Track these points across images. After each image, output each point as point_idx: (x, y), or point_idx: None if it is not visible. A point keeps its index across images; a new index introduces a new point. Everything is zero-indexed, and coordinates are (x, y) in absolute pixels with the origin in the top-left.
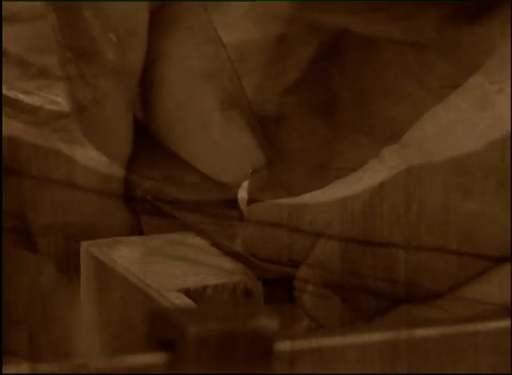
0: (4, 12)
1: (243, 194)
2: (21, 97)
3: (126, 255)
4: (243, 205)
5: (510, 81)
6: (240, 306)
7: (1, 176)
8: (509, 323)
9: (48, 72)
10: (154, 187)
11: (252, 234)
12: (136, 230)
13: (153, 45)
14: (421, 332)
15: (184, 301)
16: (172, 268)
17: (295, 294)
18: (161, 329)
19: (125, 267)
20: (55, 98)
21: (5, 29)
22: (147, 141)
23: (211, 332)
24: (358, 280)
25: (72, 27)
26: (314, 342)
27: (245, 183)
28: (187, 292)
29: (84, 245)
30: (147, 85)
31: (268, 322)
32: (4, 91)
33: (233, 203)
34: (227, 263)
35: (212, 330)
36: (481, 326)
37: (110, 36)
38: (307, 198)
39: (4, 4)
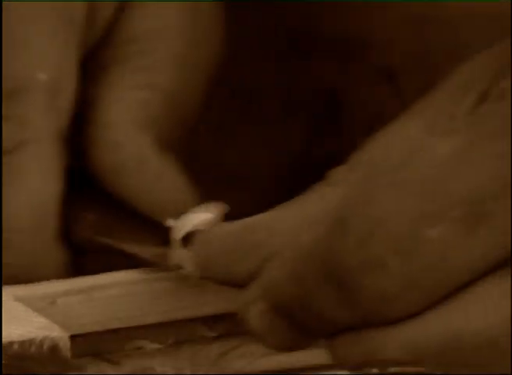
0: None
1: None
2: None
3: None
4: (177, 244)
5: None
6: (46, 362)
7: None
8: None
9: None
10: (93, 224)
11: (201, 259)
12: (70, 268)
13: (87, 90)
14: None
15: None
16: None
17: (240, 315)
18: None
19: None
20: None
21: None
22: (83, 179)
23: None
24: (311, 305)
25: None
26: None
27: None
28: None
29: None
30: (80, 128)
31: None
32: None
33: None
34: (35, 318)
35: None
36: None
37: (40, 75)
38: (256, 220)
39: None
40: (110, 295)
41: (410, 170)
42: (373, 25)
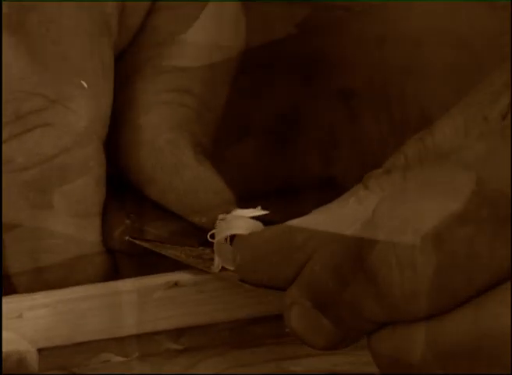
0: None
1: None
2: None
3: None
4: (218, 246)
5: None
6: None
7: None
8: None
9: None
10: (131, 228)
11: (242, 262)
12: (111, 272)
13: (118, 94)
14: None
15: None
16: None
17: (283, 314)
18: None
19: None
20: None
21: None
22: (120, 184)
23: None
24: (349, 300)
25: (39, 74)
26: None
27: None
28: None
29: None
30: (116, 131)
31: None
32: None
33: (207, 242)
34: (2, 332)
35: None
36: None
37: (81, 82)
38: (295, 223)
39: None
40: (76, 309)
41: (441, 170)
42: (330, 45)
